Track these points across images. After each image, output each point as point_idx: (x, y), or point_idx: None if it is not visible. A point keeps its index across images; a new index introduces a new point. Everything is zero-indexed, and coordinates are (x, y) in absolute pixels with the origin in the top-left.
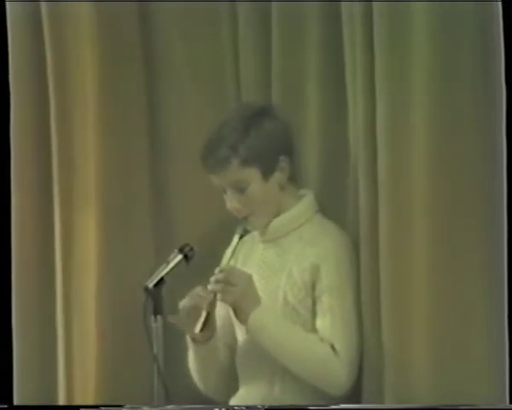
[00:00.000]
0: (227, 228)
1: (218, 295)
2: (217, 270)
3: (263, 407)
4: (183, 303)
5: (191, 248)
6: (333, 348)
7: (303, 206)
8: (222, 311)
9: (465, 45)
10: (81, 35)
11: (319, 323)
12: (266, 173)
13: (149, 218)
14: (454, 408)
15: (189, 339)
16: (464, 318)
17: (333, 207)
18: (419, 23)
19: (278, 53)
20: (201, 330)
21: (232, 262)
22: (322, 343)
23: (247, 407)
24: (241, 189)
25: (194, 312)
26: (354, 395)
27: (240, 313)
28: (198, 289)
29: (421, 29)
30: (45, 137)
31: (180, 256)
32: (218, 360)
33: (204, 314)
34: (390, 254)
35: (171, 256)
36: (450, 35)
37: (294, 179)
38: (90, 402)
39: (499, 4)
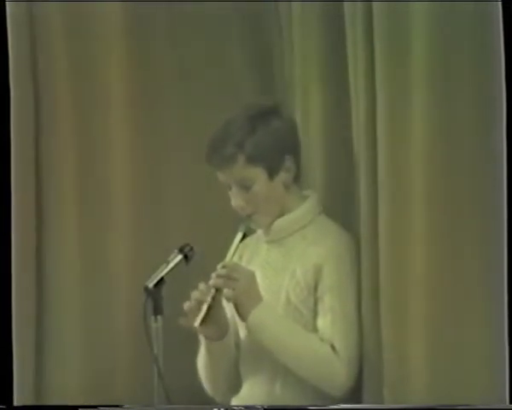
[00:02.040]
0: (228, 228)
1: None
2: (219, 265)
3: (262, 406)
4: (188, 305)
5: (191, 248)
6: (333, 347)
7: (307, 207)
8: (229, 311)
9: (465, 45)
10: (96, 35)
11: (320, 322)
12: (272, 172)
13: (149, 218)
14: (454, 408)
15: (201, 338)
16: (464, 318)
17: (336, 207)
18: (419, 23)
19: (280, 53)
20: (201, 324)
21: (235, 260)
22: (323, 343)
23: (246, 407)
24: (246, 186)
25: (197, 308)
26: (354, 394)
27: (241, 309)
28: (201, 286)
29: (421, 29)
30: (45, 137)
31: (180, 256)
32: (230, 360)
33: (204, 308)
34: (390, 254)
35: (171, 256)
36: (450, 35)
37: (298, 180)
38: (90, 402)
39: (499, 4)
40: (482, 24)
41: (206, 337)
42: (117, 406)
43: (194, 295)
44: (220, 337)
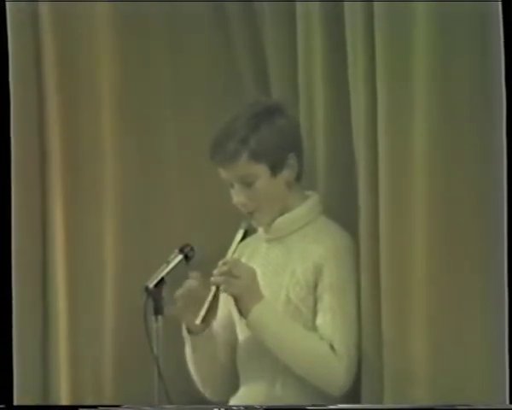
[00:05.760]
0: (229, 228)
1: (221, 287)
2: (220, 262)
3: (261, 406)
4: (179, 292)
5: (191, 249)
6: (332, 346)
7: (308, 206)
8: (224, 310)
9: (465, 45)
10: (89, 34)
11: (319, 321)
12: (275, 170)
13: (149, 218)
14: (454, 408)
15: (184, 331)
16: (464, 317)
17: (337, 207)
18: (419, 23)
19: (282, 53)
20: (202, 321)
21: (236, 257)
22: (322, 342)
23: (246, 407)
24: (248, 183)
25: (191, 301)
26: (354, 394)
27: (241, 306)
28: (193, 275)
29: (421, 29)
30: (46, 137)
31: (180, 256)
32: (215, 354)
33: (206, 306)
34: (390, 255)
35: (171, 256)
36: (450, 35)
37: (300, 179)
38: (90, 402)
39: (499, 4)
40: (482, 25)
41: (188, 330)
42: (117, 406)
43: (188, 282)
44: (201, 330)
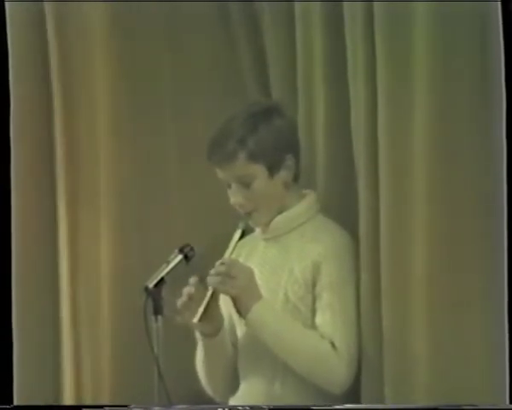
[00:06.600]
0: (228, 228)
1: (219, 288)
2: (218, 263)
3: (267, 407)
4: (181, 302)
5: (191, 248)
6: (332, 344)
7: (305, 204)
8: (226, 312)
9: (465, 45)
10: (90, 34)
11: (319, 319)
12: (272, 170)
13: (149, 218)
14: (454, 408)
15: (197, 335)
16: (464, 317)
17: (337, 207)
18: (419, 23)
19: (282, 53)
20: (200, 319)
21: (233, 257)
22: (322, 340)
23: (251, 407)
24: (245, 184)
25: (191, 304)
26: (354, 394)
27: (240, 306)
28: (191, 281)
29: (421, 29)
30: (46, 137)
31: (180, 256)
32: (227, 356)
33: (203, 305)
34: (390, 254)
35: (171, 256)
36: (450, 35)
37: (298, 179)
38: (90, 402)
39: (499, 4)
40: (482, 25)
41: (202, 333)
42: (123, 406)
43: (186, 290)
44: (215, 333)
